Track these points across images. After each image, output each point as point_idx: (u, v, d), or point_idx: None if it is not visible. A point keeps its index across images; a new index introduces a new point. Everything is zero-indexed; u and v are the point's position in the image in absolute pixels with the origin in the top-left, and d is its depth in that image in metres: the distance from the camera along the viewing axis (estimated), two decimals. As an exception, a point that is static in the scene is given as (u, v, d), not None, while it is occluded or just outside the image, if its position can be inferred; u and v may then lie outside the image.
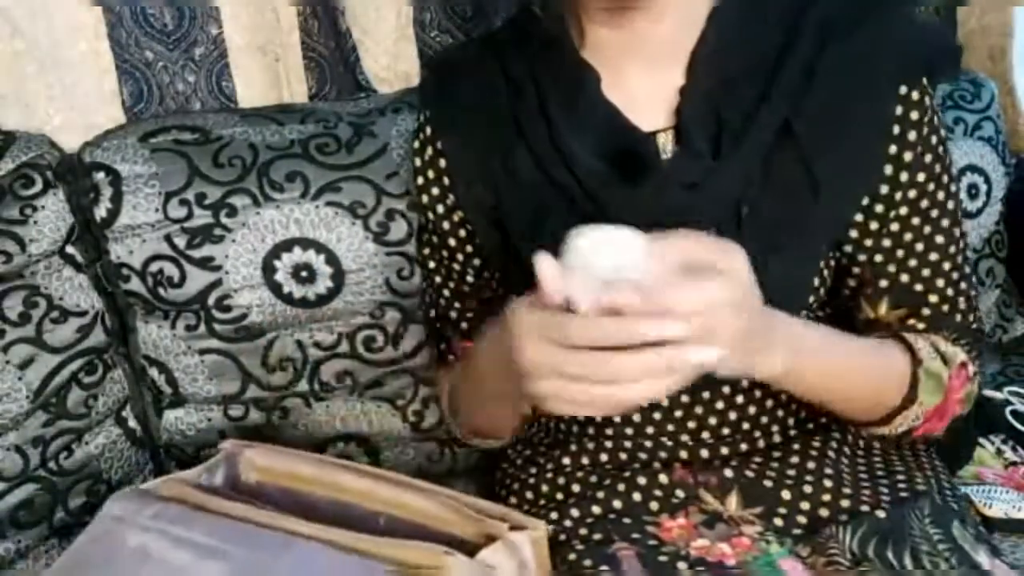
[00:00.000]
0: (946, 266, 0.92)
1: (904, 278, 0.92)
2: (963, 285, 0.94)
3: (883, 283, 0.93)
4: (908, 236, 0.91)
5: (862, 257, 0.92)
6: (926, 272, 0.92)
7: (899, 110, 0.87)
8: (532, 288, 0.67)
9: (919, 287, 0.93)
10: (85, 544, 0.84)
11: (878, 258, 0.92)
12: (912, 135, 0.88)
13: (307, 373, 1.20)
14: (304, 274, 1.14)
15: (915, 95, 0.87)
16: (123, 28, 1.20)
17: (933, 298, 0.93)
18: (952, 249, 0.92)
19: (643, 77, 0.90)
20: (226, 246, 1.13)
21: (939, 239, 0.92)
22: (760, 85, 0.86)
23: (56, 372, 1.10)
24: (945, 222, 0.91)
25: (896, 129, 0.87)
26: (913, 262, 0.92)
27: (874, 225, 0.91)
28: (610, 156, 0.88)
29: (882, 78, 0.86)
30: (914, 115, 0.87)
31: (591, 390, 0.63)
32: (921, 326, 0.94)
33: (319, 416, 1.22)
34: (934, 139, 0.89)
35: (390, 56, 1.32)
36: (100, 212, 1.12)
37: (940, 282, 0.93)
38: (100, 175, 1.12)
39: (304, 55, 1.30)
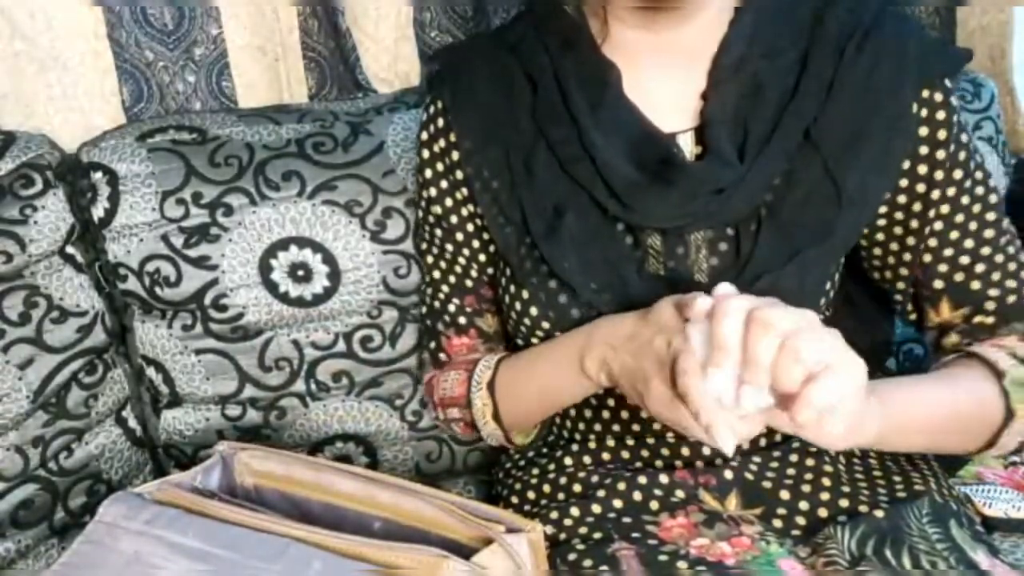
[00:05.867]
0: (999, 259, 0.92)
1: (958, 277, 0.92)
2: (1023, 273, 0.93)
3: (937, 284, 0.93)
4: (954, 235, 0.91)
5: (907, 257, 0.93)
6: (980, 268, 0.92)
7: (924, 112, 0.88)
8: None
9: (976, 284, 0.92)
10: (79, 549, 0.84)
11: (927, 258, 0.93)
12: (942, 134, 0.89)
13: (304, 373, 1.20)
14: (300, 273, 1.14)
15: (938, 96, 0.88)
16: (123, 28, 1.20)
17: (993, 292, 0.92)
18: (1003, 240, 0.92)
19: (663, 78, 0.91)
20: (222, 245, 1.13)
21: (987, 233, 0.92)
22: (782, 93, 0.88)
23: (56, 372, 1.10)
24: (990, 215, 0.92)
25: (924, 131, 0.89)
26: (965, 259, 0.92)
27: (914, 224, 0.92)
28: (636, 157, 0.89)
29: (902, 84, 0.87)
30: (940, 115, 0.89)
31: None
32: (990, 320, 0.93)
33: (316, 416, 1.22)
34: (964, 136, 0.90)
35: (390, 56, 1.32)
36: (98, 212, 1.12)
37: (996, 275, 0.92)
38: (98, 175, 1.13)
39: (304, 55, 1.30)
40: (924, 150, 0.89)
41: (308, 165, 1.15)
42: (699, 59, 0.90)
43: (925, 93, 0.88)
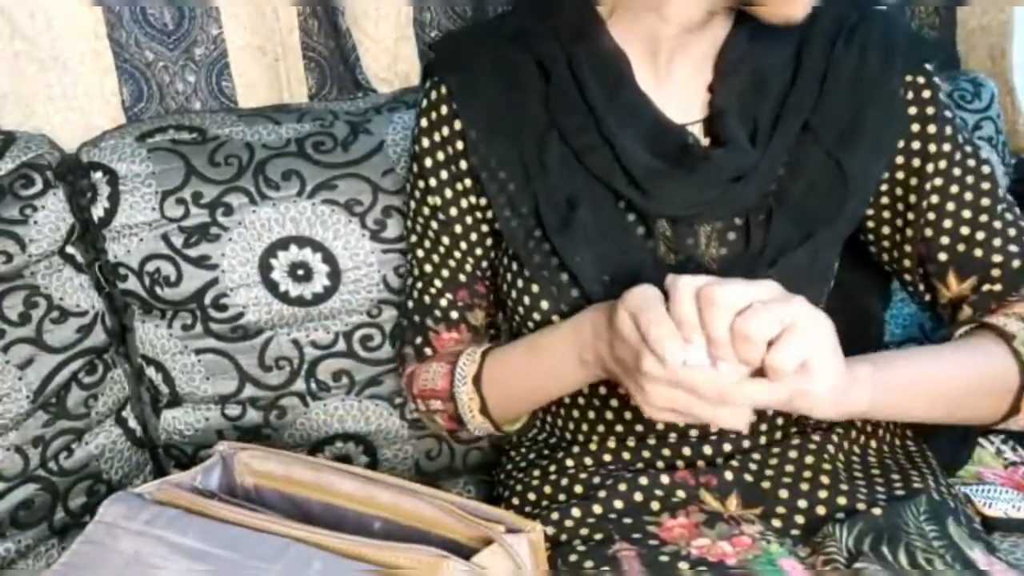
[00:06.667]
0: (997, 225, 0.94)
1: (961, 247, 0.94)
2: None
3: (942, 257, 0.95)
4: (951, 206, 0.94)
5: (910, 233, 0.95)
6: (980, 235, 0.94)
7: (911, 95, 0.93)
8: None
9: (979, 252, 0.94)
10: (79, 549, 0.84)
11: (928, 233, 0.95)
12: (930, 110, 0.93)
13: (304, 372, 1.20)
14: (300, 272, 1.14)
15: (921, 79, 0.93)
16: (123, 28, 1.20)
17: (997, 258, 0.94)
18: (1000, 208, 0.95)
19: (672, 71, 0.93)
20: (222, 245, 1.13)
21: (984, 201, 0.94)
22: (782, 87, 0.91)
23: (56, 372, 1.10)
24: (985, 184, 0.94)
25: (913, 110, 0.93)
26: (965, 230, 0.94)
27: (912, 198, 0.94)
28: (652, 147, 0.90)
29: (889, 72, 0.92)
30: (926, 94, 0.93)
31: (697, 404, 0.75)
32: (998, 288, 0.94)
33: (316, 415, 1.22)
34: (948, 112, 0.94)
35: (390, 56, 1.32)
36: (98, 212, 1.12)
37: (998, 241, 0.94)
38: (97, 175, 1.13)
39: (304, 55, 1.30)
40: (915, 127, 0.93)
41: (308, 164, 1.15)
42: (709, 51, 0.93)
43: (909, 77, 0.93)
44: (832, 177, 0.90)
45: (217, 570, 0.76)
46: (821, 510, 0.89)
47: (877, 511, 0.87)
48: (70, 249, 1.14)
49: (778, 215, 0.90)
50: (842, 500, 0.89)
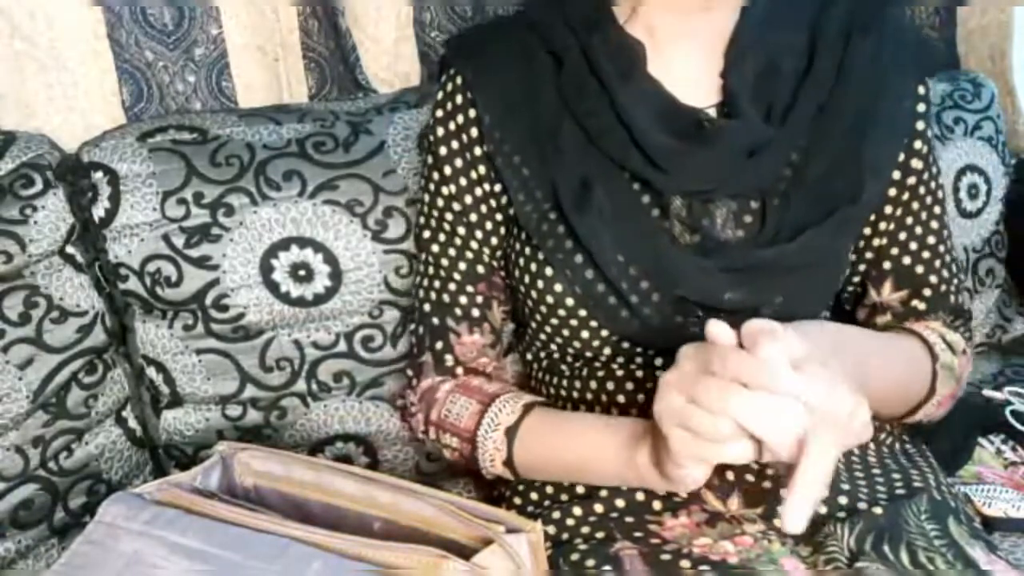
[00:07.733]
0: (941, 248, 1.02)
1: (906, 260, 1.01)
2: (954, 267, 1.04)
3: (886, 265, 1.02)
4: (909, 220, 1.01)
5: (867, 232, 1.01)
6: (926, 255, 1.01)
7: (921, 107, 0.97)
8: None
9: (920, 269, 1.01)
10: (79, 549, 0.83)
11: (881, 242, 1.02)
12: (920, 125, 0.98)
13: (304, 373, 1.20)
14: (302, 273, 1.14)
15: (921, 90, 0.97)
16: (123, 28, 1.21)
17: (933, 279, 1.02)
18: (945, 233, 1.03)
19: (684, 58, 0.94)
20: (223, 245, 1.13)
21: (934, 224, 1.02)
22: (796, 73, 0.93)
23: (56, 372, 1.10)
24: (938, 208, 1.02)
25: (918, 124, 0.97)
26: (914, 245, 1.01)
27: (887, 209, 1.00)
28: (667, 128, 0.92)
29: (904, 68, 0.95)
30: (921, 108, 0.98)
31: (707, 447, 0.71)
32: (923, 307, 1.02)
33: (317, 416, 1.22)
34: (930, 132, 1.00)
35: (390, 56, 1.33)
36: (98, 212, 1.12)
37: (937, 263, 1.02)
38: (98, 175, 1.13)
39: (304, 55, 1.30)
40: (905, 139, 0.97)
41: (309, 165, 1.16)
42: (718, 40, 0.94)
43: (921, 90, 0.96)
44: (849, 162, 0.92)
45: (217, 570, 0.76)
46: (822, 509, 0.89)
47: (878, 510, 0.87)
48: (70, 249, 1.14)
49: (796, 197, 0.92)
50: (843, 499, 0.89)
